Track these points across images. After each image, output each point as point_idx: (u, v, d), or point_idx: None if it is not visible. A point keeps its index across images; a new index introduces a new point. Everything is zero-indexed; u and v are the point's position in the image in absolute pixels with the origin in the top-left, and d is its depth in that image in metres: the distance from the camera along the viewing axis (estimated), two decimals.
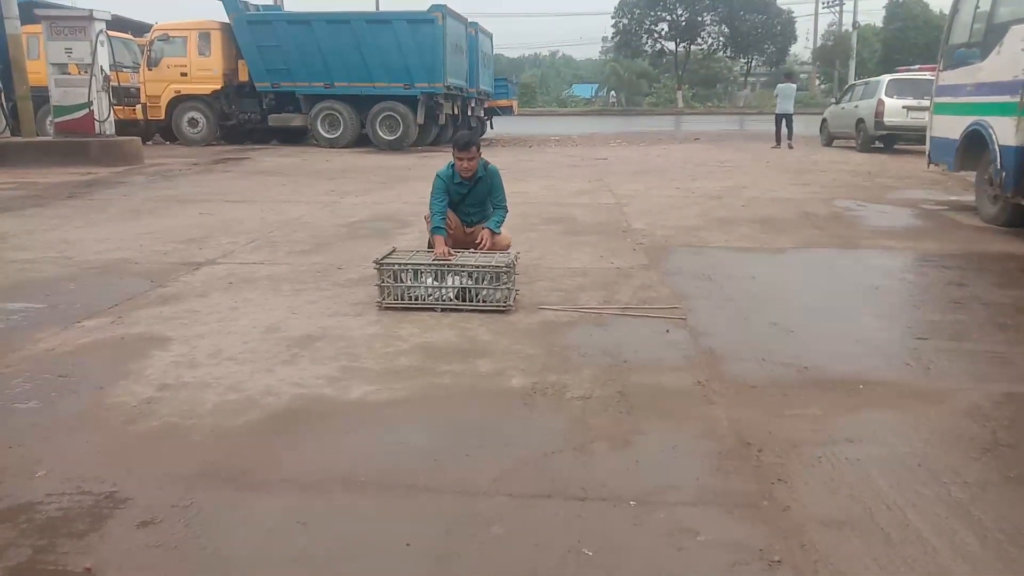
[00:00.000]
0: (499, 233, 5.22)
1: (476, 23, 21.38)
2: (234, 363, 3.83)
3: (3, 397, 3.38)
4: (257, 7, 20.08)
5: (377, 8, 19.59)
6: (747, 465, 2.76)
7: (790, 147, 18.09)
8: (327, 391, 3.46)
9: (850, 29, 45.89)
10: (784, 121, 18.37)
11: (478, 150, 5.22)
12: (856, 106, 17.62)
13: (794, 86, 19.18)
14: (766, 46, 55.90)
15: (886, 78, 17.10)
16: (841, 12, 52.01)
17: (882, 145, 17.04)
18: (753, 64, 59.08)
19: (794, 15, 56.87)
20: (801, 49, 64.27)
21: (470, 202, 5.41)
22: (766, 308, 4.80)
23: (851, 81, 28.39)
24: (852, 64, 42.95)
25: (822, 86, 54.80)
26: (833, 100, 20.26)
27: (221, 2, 18.81)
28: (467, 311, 4.64)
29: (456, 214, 5.42)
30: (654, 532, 2.34)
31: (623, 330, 4.37)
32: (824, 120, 20.06)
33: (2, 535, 2.31)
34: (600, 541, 2.28)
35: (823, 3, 54.29)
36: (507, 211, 5.46)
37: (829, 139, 19.48)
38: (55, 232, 7.45)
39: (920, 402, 3.33)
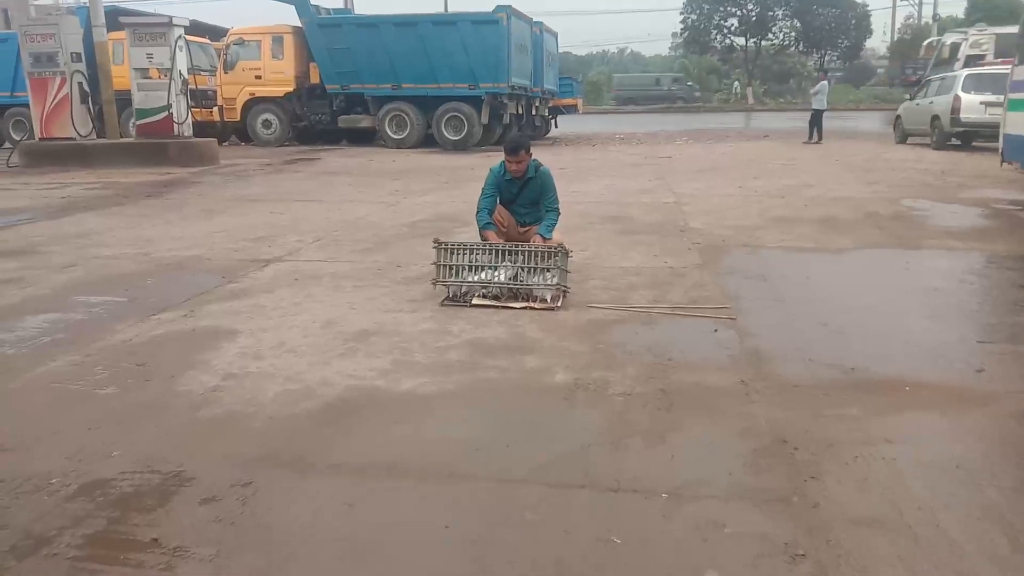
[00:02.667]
0: (550, 238, 5.32)
1: (541, 22, 21.51)
2: (294, 355, 4.04)
3: (85, 383, 3.66)
4: (328, 11, 20.63)
5: (445, 9, 19.87)
6: (781, 462, 2.81)
7: (815, 143, 18.79)
8: (379, 383, 3.63)
9: (930, 21, 44.27)
10: (815, 116, 19.18)
11: (527, 153, 5.34)
12: (931, 102, 17.06)
13: (825, 83, 20.04)
14: (840, 40, 54.35)
15: (963, 72, 16.51)
16: (920, 4, 50.21)
17: (959, 143, 16.48)
18: (827, 59, 57.51)
19: (869, 8, 55.09)
20: (877, 43, 62.33)
21: (521, 202, 5.54)
22: (818, 309, 4.78)
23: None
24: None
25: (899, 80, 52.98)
26: (907, 96, 19.64)
27: (294, 6, 19.40)
28: (518, 309, 4.76)
29: (510, 213, 5.56)
30: (682, 524, 2.42)
31: (671, 329, 4.43)
32: (898, 117, 19.47)
33: (81, 507, 2.54)
34: (629, 531, 2.38)
35: None
36: (559, 214, 5.56)
37: (903, 136, 18.91)
38: (135, 230, 7.88)
39: (965, 404, 3.31)
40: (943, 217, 8.21)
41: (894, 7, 53.96)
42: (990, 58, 19.47)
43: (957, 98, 15.74)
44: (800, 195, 9.80)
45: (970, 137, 16.33)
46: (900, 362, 3.84)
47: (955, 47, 22.50)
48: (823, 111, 19.29)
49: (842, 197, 9.55)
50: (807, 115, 19.85)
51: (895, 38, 53.66)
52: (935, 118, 16.67)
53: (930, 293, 5.18)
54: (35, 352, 4.14)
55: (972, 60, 20.71)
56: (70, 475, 2.75)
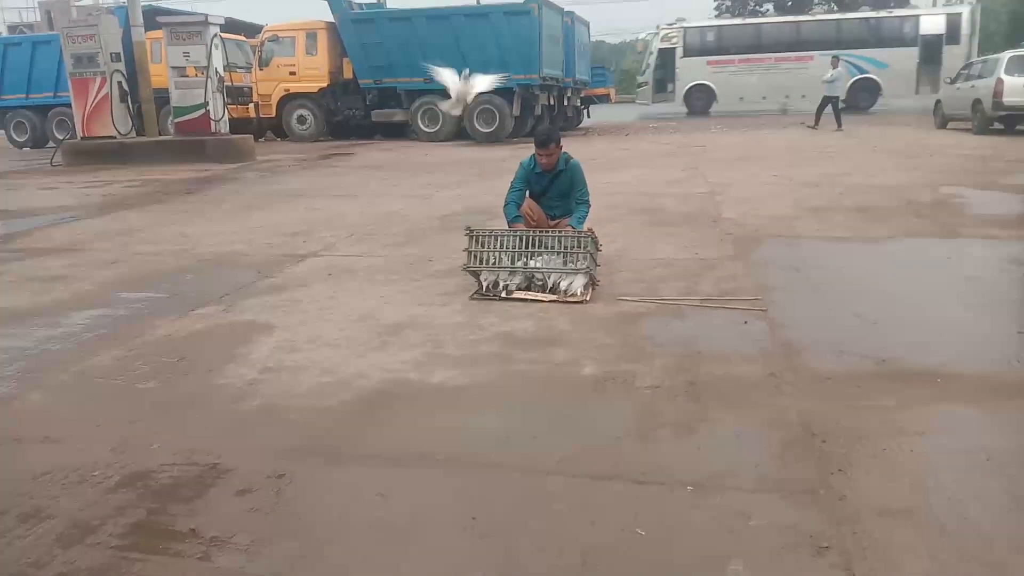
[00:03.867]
0: (581, 230, 5.35)
1: (572, 12, 21.44)
2: (330, 348, 4.12)
3: (127, 377, 3.78)
4: (361, 5, 20.76)
5: (477, 1, 19.89)
6: (809, 454, 2.81)
7: (813, 128, 18.91)
8: (412, 375, 3.70)
9: (973, 2, 43.14)
10: (832, 104, 18.96)
11: (557, 146, 5.36)
12: (973, 86, 16.66)
13: (842, 70, 19.95)
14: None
15: (1007, 55, 16.09)
16: None
17: (1001, 127, 16.09)
18: None
19: None
20: None
21: (552, 194, 5.56)
22: (852, 299, 4.73)
23: (974, 57, 26.98)
24: (975, 40, 40.36)
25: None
26: (948, 80, 19.21)
27: (327, 2, 19.57)
28: (547, 302, 4.79)
29: (540, 206, 5.59)
30: (708, 515, 2.44)
31: (701, 321, 4.43)
32: (938, 102, 19.07)
33: (124, 497, 2.64)
34: (655, 522, 2.41)
35: None
36: (589, 206, 5.58)
37: (944, 121, 18.50)
38: (175, 226, 8.05)
39: (999, 396, 3.27)
40: (983, 204, 8.05)
41: None
42: (679, 52, 20.01)
43: (1000, 81, 15.37)
44: (837, 183, 9.67)
45: (1014, 121, 15.94)
46: (934, 353, 3.80)
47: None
48: (834, 98, 19.07)
49: (880, 185, 9.41)
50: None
51: None
52: (977, 102, 16.29)
53: (968, 282, 5.11)
54: (80, 347, 4.28)
55: (664, 53, 21.09)
56: (113, 466, 2.86)
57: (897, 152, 13.27)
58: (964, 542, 2.25)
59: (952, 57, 27.56)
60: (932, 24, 28.78)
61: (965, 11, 29.29)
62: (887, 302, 4.70)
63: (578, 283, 4.86)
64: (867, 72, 28.64)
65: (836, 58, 19.84)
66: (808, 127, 19.05)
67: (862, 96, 28.69)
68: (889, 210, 7.69)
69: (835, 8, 53.54)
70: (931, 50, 28.17)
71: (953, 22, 28.64)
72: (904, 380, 3.47)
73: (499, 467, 2.79)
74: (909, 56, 28.35)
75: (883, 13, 31.88)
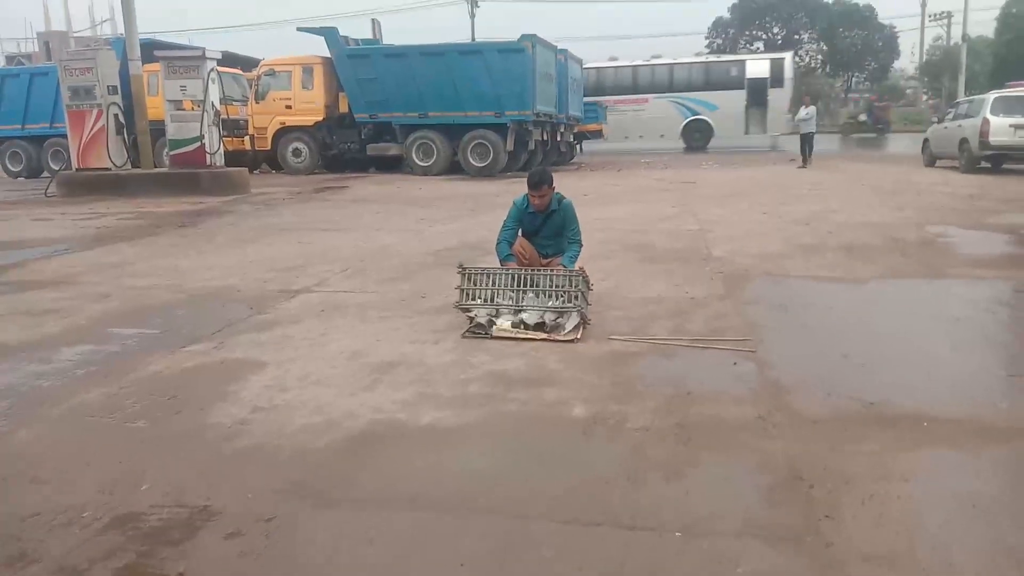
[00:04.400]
0: (573, 269, 5.40)
1: (566, 50, 21.75)
2: (320, 387, 4.13)
3: (117, 416, 3.78)
4: (357, 41, 21.01)
5: (472, 38, 20.19)
6: (797, 499, 2.83)
7: (802, 167, 19.25)
8: (401, 415, 3.71)
9: (959, 42, 43.96)
10: (805, 142, 19.74)
11: (550, 187, 5.43)
12: (960, 125, 16.95)
13: (813, 108, 20.53)
14: (867, 62, 54.18)
15: (992, 95, 16.41)
16: (949, 24, 49.95)
17: (988, 166, 16.33)
18: (854, 81, 57.30)
19: (897, 30, 54.93)
20: (906, 63, 61.97)
21: (544, 233, 5.62)
22: (839, 340, 4.78)
23: (960, 96, 27.47)
24: (961, 79, 41.12)
25: (930, 101, 52.60)
26: (935, 119, 19.54)
27: (323, 37, 19.81)
28: (539, 340, 4.82)
29: (532, 244, 5.64)
30: (695, 562, 2.45)
31: (690, 361, 4.46)
32: (926, 140, 19.37)
33: (112, 540, 2.63)
34: (642, 568, 2.42)
35: (930, 16, 52.27)
36: (581, 246, 5.63)
37: (932, 159, 18.78)
38: (168, 259, 8.08)
39: (986, 441, 3.30)
40: (970, 244, 8.16)
41: (922, 28, 53.79)
42: None
43: (986, 121, 15.65)
44: (826, 221, 9.78)
45: (1000, 160, 16.19)
46: (921, 395, 3.84)
47: None
48: (814, 134, 19.81)
49: (868, 223, 9.52)
50: (833, 137, 19.98)
51: (924, 59, 53.36)
52: (964, 141, 16.56)
53: (954, 323, 5.17)
54: (70, 384, 4.28)
55: None
56: (102, 508, 2.85)
57: (885, 190, 13.44)
58: None
59: (777, 99, 29.16)
60: (757, 68, 30.05)
61: (788, 56, 31.18)
62: (874, 342, 4.75)
63: (570, 323, 4.90)
64: (699, 114, 30.16)
65: (807, 95, 20.39)
66: (798, 167, 19.23)
67: (695, 136, 30.35)
68: (875, 249, 7.78)
69: (822, 46, 54.60)
70: (757, 93, 29.40)
71: (777, 66, 29.94)
72: (891, 423, 3.50)
73: (487, 511, 2.79)
74: (737, 98, 29.69)
75: (712, 58, 33.95)
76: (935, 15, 51.63)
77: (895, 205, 11.25)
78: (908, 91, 62.46)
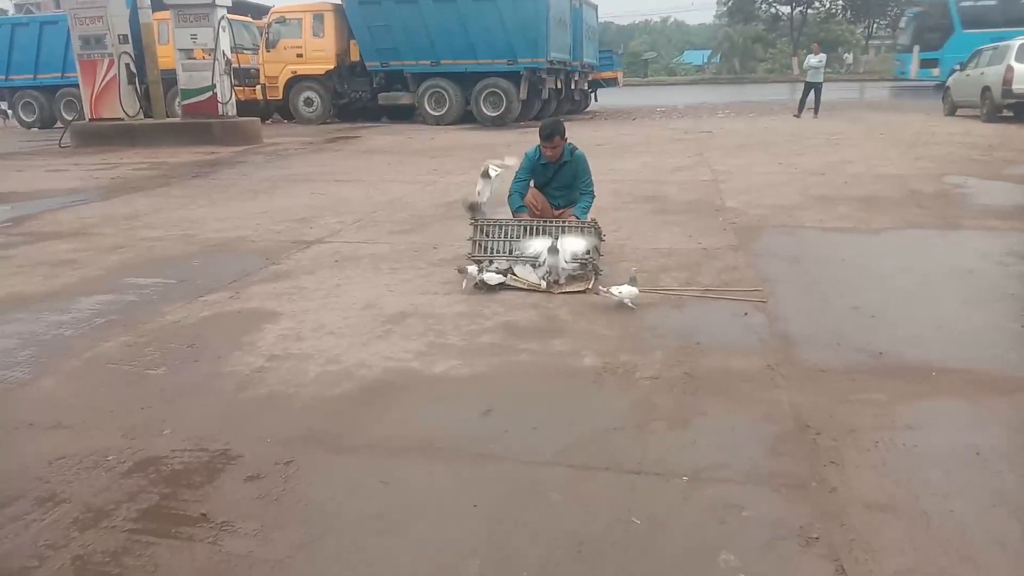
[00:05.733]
0: (584, 220, 5.40)
1: None
2: (334, 337, 4.20)
3: (137, 364, 3.86)
4: None
5: None
6: (802, 448, 2.88)
7: (815, 117, 18.57)
8: (414, 365, 3.77)
9: None
10: (814, 90, 18.95)
11: (561, 138, 5.40)
12: (982, 73, 16.59)
13: (823, 56, 19.51)
14: (889, 8, 52.80)
15: (1017, 42, 15.99)
16: None
17: (1011, 115, 16.02)
18: (875, 27, 55.98)
19: None
20: None
21: (556, 185, 5.61)
22: (851, 292, 4.79)
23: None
24: None
25: None
26: (957, 66, 19.12)
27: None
28: (552, 293, 4.85)
29: (544, 195, 5.64)
30: (701, 506, 2.52)
31: (701, 312, 4.49)
32: (947, 88, 18.98)
33: (135, 483, 2.73)
34: (648, 512, 2.48)
35: None
36: (594, 196, 5.63)
37: (952, 109, 18.42)
38: (181, 211, 8.13)
39: (992, 392, 3.33)
40: (988, 195, 8.06)
41: None
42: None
43: (1009, 68, 15.31)
44: (842, 172, 9.68)
45: (1023, 109, 15.87)
46: (930, 347, 3.86)
47: None
48: (815, 84, 19.03)
49: (885, 174, 9.41)
50: (855, 85, 19.54)
51: None
52: (986, 89, 16.23)
53: (967, 275, 5.15)
54: (91, 333, 4.37)
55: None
56: (125, 452, 2.95)
57: (904, 140, 13.24)
58: (947, 536, 2.32)
59: None
60: None
61: None
62: (886, 295, 4.75)
63: (580, 246, 4.89)
64: None
65: (816, 43, 19.72)
66: (814, 118, 18.74)
67: None
68: (891, 200, 7.71)
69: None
70: None
71: None
72: (899, 374, 3.52)
73: (498, 458, 2.86)
74: None
75: None
76: None
77: (913, 155, 11.10)
78: None
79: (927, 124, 16.31)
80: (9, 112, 21.66)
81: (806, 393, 3.35)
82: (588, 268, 4.96)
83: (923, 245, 6.08)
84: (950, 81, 19.09)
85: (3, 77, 21.99)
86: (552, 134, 5.36)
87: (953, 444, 2.88)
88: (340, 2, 19.63)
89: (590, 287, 4.87)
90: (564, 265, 4.86)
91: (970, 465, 2.73)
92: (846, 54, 53.63)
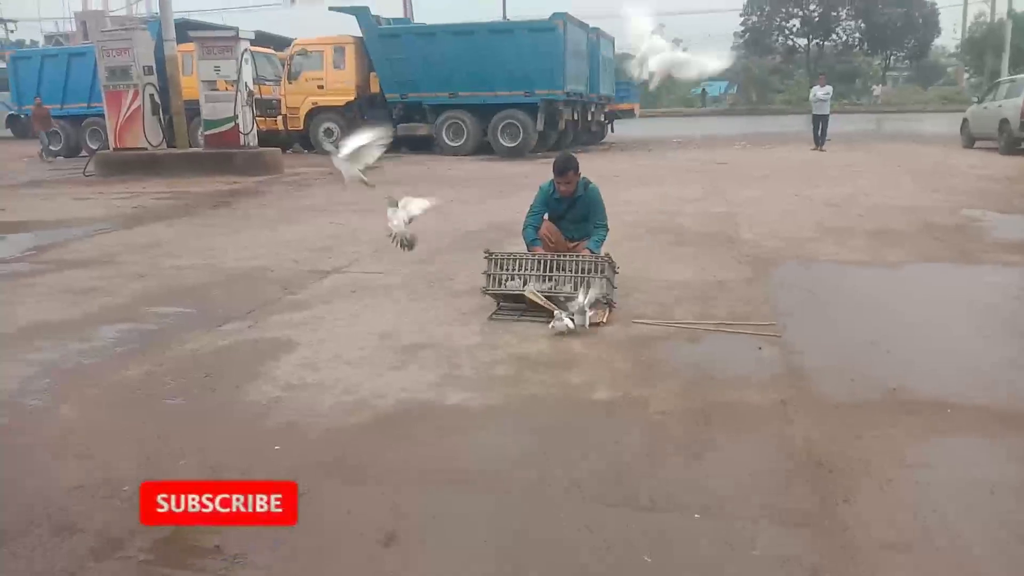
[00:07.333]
0: (598, 253, 5.43)
1: (597, 28, 21.61)
2: (350, 367, 4.24)
3: (155, 393, 3.92)
4: (388, 21, 21.05)
5: (504, 17, 20.20)
6: (815, 484, 2.87)
7: (822, 150, 18.35)
8: (429, 396, 3.80)
9: (1004, 18, 42.77)
10: (820, 123, 18.70)
11: (575, 173, 5.45)
12: (1000, 105, 16.58)
13: (830, 88, 19.20)
14: (906, 40, 52.91)
15: None
16: (993, 1, 48.60)
17: None
18: (892, 59, 56.10)
19: (937, 6, 53.47)
20: (947, 40, 60.42)
21: (570, 218, 5.65)
22: (866, 326, 4.78)
23: (1003, 75, 26.72)
24: (1005, 57, 40.03)
25: (971, 79, 51.33)
26: (975, 99, 19.09)
27: (355, 17, 19.86)
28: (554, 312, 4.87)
29: (558, 228, 5.68)
30: (712, 544, 2.51)
31: (714, 346, 4.49)
32: (965, 120, 18.96)
33: None
34: (659, 549, 2.48)
35: None
36: (608, 229, 5.66)
37: (970, 140, 18.39)
38: (202, 240, 8.25)
39: (1008, 428, 3.31)
40: (1006, 229, 8.03)
41: (965, 4, 52.34)
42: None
43: None
44: (858, 203, 9.68)
45: None
46: (945, 382, 3.84)
47: None
48: (821, 117, 18.79)
49: (901, 206, 9.40)
50: (871, 117, 19.47)
51: (966, 36, 52.04)
52: (1004, 122, 16.21)
53: (984, 310, 5.13)
54: (111, 361, 4.43)
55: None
56: (140, 481, 2.98)
57: (921, 172, 13.22)
58: None
59: None
60: None
61: None
62: (901, 328, 4.74)
63: (592, 295, 4.89)
64: None
65: (823, 73, 19.59)
66: (820, 150, 18.51)
67: None
68: (907, 233, 7.69)
69: (860, 23, 53.38)
70: None
71: None
72: (914, 409, 3.51)
73: (510, 491, 2.87)
74: None
75: None
76: None
77: (929, 187, 11.08)
78: (949, 69, 61.08)
79: (945, 156, 16.28)
80: (50, 145, 22.01)
81: (819, 428, 3.34)
82: (603, 301, 4.98)
83: (939, 279, 6.06)
84: (968, 113, 19.07)
85: (32, 107, 22.50)
86: (566, 169, 5.41)
87: (968, 481, 2.86)
88: (360, 35, 19.95)
89: (604, 321, 4.89)
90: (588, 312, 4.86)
91: (985, 503, 2.71)
92: (874, 86, 53.53)
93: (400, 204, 5.35)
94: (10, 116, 26.93)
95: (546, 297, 4.93)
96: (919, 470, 2.95)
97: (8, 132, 27.17)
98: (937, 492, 2.79)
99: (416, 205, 5.38)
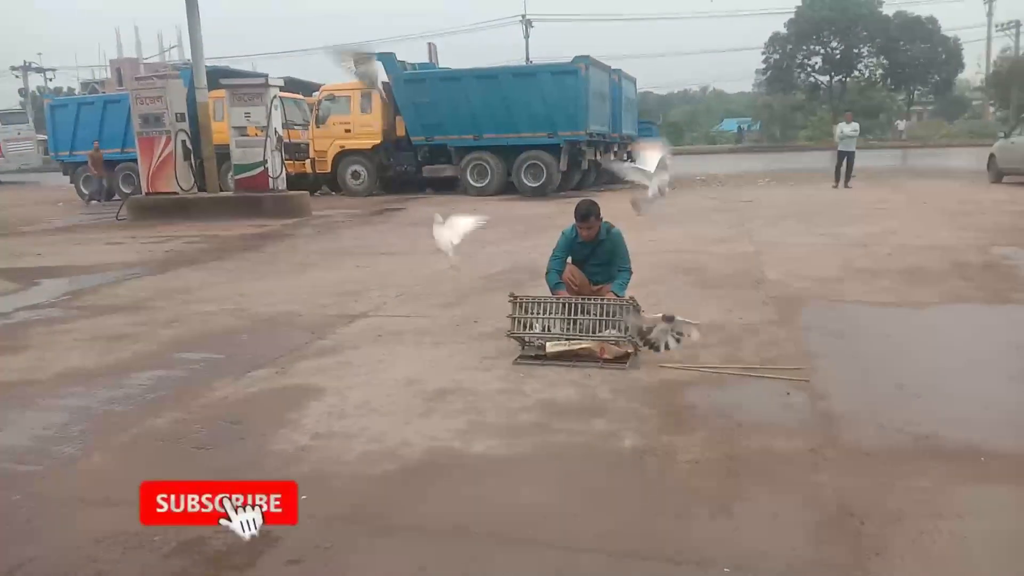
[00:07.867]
0: (623, 296, 5.44)
1: (619, 69, 21.82)
2: (377, 415, 4.26)
3: (184, 442, 3.97)
4: (414, 66, 21.44)
5: (527, 60, 20.55)
6: (846, 536, 2.83)
7: (848, 187, 18.17)
8: (455, 444, 3.81)
9: None
10: (846, 159, 18.46)
11: (597, 218, 5.49)
12: None
13: (856, 125, 19.08)
14: (930, 75, 52.82)
15: None
16: (1018, 34, 48.54)
17: None
18: (916, 94, 55.97)
19: (960, 41, 53.43)
20: (971, 75, 60.25)
21: (594, 262, 5.68)
22: (895, 369, 4.72)
23: None
24: None
25: (996, 113, 51.00)
26: (1002, 134, 18.97)
27: (381, 62, 20.25)
28: (592, 367, 4.87)
29: (582, 272, 5.70)
30: None
31: (742, 391, 4.46)
32: (992, 155, 18.79)
33: (179, 564, 2.79)
34: None
35: (996, 26, 50.90)
36: (631, 273, 5.68)
37: (998, 176, 18.21)
38: (232, 285, 8.37)
39: None
40: None
41: (989, 39, 52.29)
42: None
43: None
44: (885, 242, 9.60)
45: None
46: (978, 429, 3.77)
47: None
48: (847, 153, 18.54)
49: (929, 245, 9.31)
50: (896, 152, 19.36)
51: (991, 71, 51.86)
52: None
53: (1016, 352, 5.05)
54: (141, 409, 4.50)
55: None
56: (170, 532, 3.00)
57: (948, 209, 13.10)
58: None
59: None
60: None
61: None
62: (931, 372, 4.68)
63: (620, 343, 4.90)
64: None
65: (849, 111, 19.48)
66: (845, 187, 18.46)
67: None
68: (936, 272, 7.61)
69: (882, 59, 53.39)
70: None
71: None
72: (946, 458, 3.45)
73: (536, 543, 2.86)
74: None
75: None
76: (1002, 25, 50.29)
77: (957, 225, 10.98)
78: (974, 103, 60.77)
79: (972, 192, 16.13)
80: (94, 193, 22.50)
81: (850, 477, 3.29)
82: (629, 342, 4.98)
83: (970, 320, 5.99)
84: (995, 148, 18.92)
85: (68, 152, 23.13)
86: (588, 215, 5.46)
87: (1002, 532, 2.81)
88: (387, 80, 20.33)
89: (627, 365, 4.88)
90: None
91: (1021, 556, 2.65)
92: (898, 121, 53.35)
93: (447, 223, 5.42)
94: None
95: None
96: (953, 521, 2.89)
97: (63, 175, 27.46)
98: (972, 544, 2.74)
99: (464, 224, 5.46)
